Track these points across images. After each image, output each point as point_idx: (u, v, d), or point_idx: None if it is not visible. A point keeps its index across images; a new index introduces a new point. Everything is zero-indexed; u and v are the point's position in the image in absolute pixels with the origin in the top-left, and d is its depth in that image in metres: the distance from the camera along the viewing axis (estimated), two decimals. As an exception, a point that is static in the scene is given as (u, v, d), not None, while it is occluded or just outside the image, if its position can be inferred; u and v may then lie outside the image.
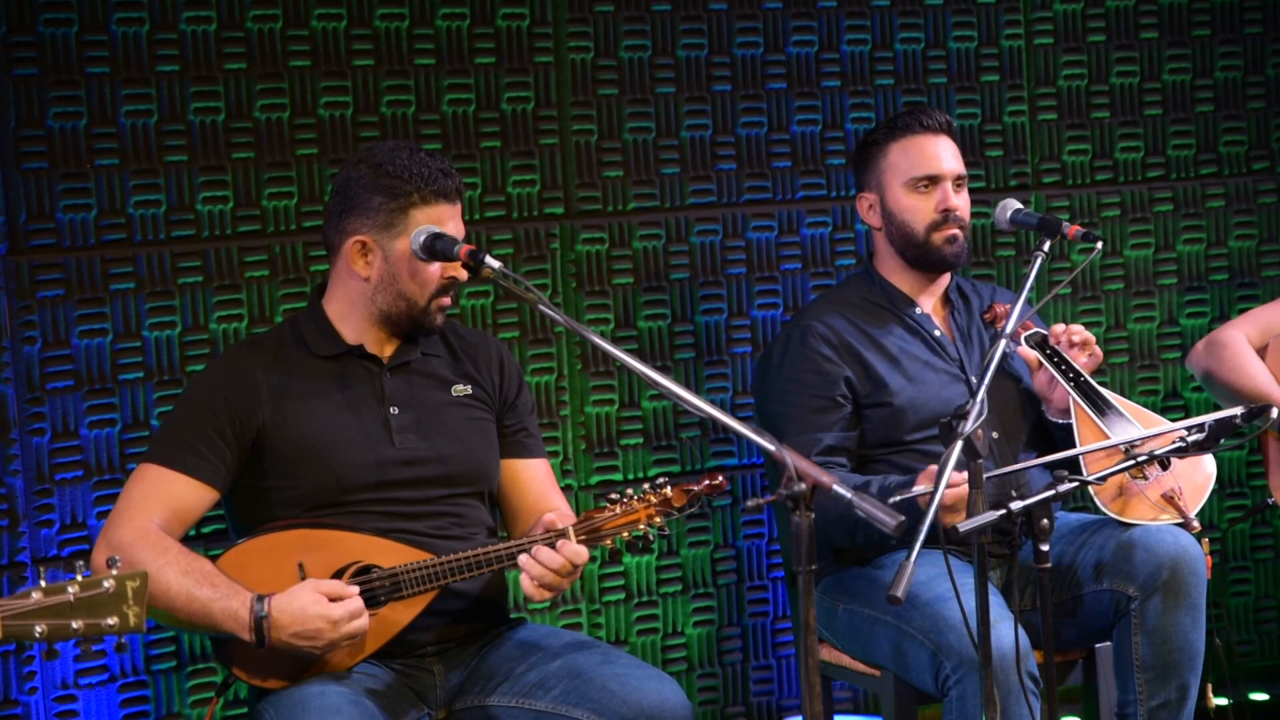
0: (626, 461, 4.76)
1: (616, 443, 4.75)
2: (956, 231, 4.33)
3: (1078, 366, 4.23)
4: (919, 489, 3.76)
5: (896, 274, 4.40)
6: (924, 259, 4.35)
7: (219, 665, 3.67)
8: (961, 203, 4.35)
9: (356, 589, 3.58)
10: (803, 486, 3.14)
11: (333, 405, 3.78)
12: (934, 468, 3.86)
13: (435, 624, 3.76)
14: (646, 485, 3.75)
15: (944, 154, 4.33)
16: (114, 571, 2.93)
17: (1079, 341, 4.25)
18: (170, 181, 4.31)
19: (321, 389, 3.79)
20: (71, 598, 2.90)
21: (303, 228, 4.43)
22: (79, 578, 2.92)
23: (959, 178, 4.35)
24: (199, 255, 4.35)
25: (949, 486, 3.70)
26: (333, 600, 3.54)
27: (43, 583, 2.91)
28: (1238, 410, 3.75)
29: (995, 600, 3.75)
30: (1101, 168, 5.27)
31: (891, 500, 3.55)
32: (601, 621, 4.74)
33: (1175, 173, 5.34)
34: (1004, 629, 3.76)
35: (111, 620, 2.92)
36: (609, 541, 3.72)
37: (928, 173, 4.31)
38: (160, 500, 3.66)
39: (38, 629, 2.89)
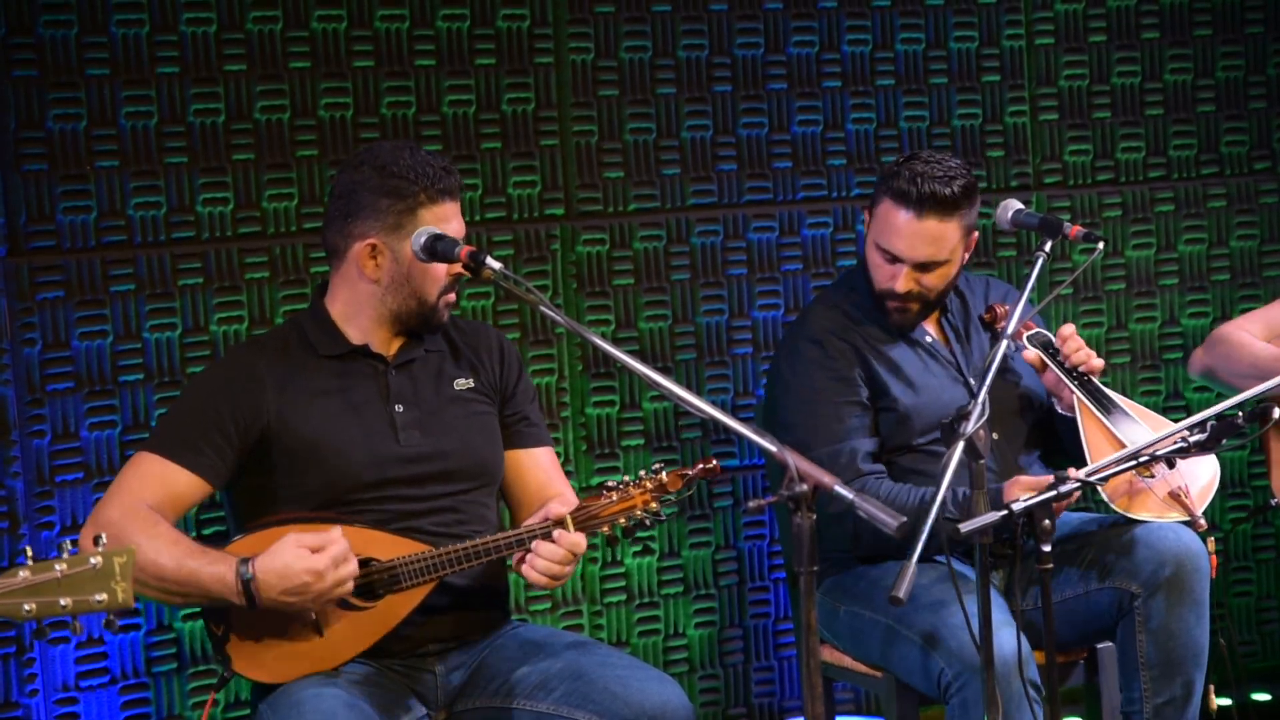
0: (627, 463, 4.75)
1: (617, 444, 4.75)
2: (906, 305, 4.27)
3: (1081, 367, 4.24)
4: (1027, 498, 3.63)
5: None
6: (875, 305, 4.32)
7: (218, 663, 3.67)
8: (931, 282, 4.23)
9: (338, 531, 3.57)
10: (804, 487, 3.13)
11: (338, 403, 3.78)
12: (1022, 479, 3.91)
13: (436, 624, 3.76)
14: (642, 471, 3.76)
15: (917, 240, 4.18)
16: (100, 548, 2.92)
17: (1078, 361, 4.24)
18: (170, 183, 4.31)
19: (326, 387, 3.79)
20: (59, 575, 2.89)
21: (303, 229, 4.42)
22: (66, 555, 2.91)
23: (925, 264, 4.21)
24: (199, 257, 4.34)
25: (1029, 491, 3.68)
26: (315, 551, 3.53)
27: (30, 561, 2.90)
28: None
29: (996, 604, 3.75)
30: (1103, 168, 5.27)
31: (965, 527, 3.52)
32: (603, 623, 4.74)
33: (1177, 173, 5.34)
34: (1005, 634, 3.75)
35: (100, 596, 2.91)
36: (606, 529, 3.73)
37: (890, 251, 4.22)
38: (154, 487, 3.66)
39: (26, 607, 2.88)
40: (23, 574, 2.89)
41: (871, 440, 4.22)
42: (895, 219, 4.20)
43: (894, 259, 4.22)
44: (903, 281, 4.22)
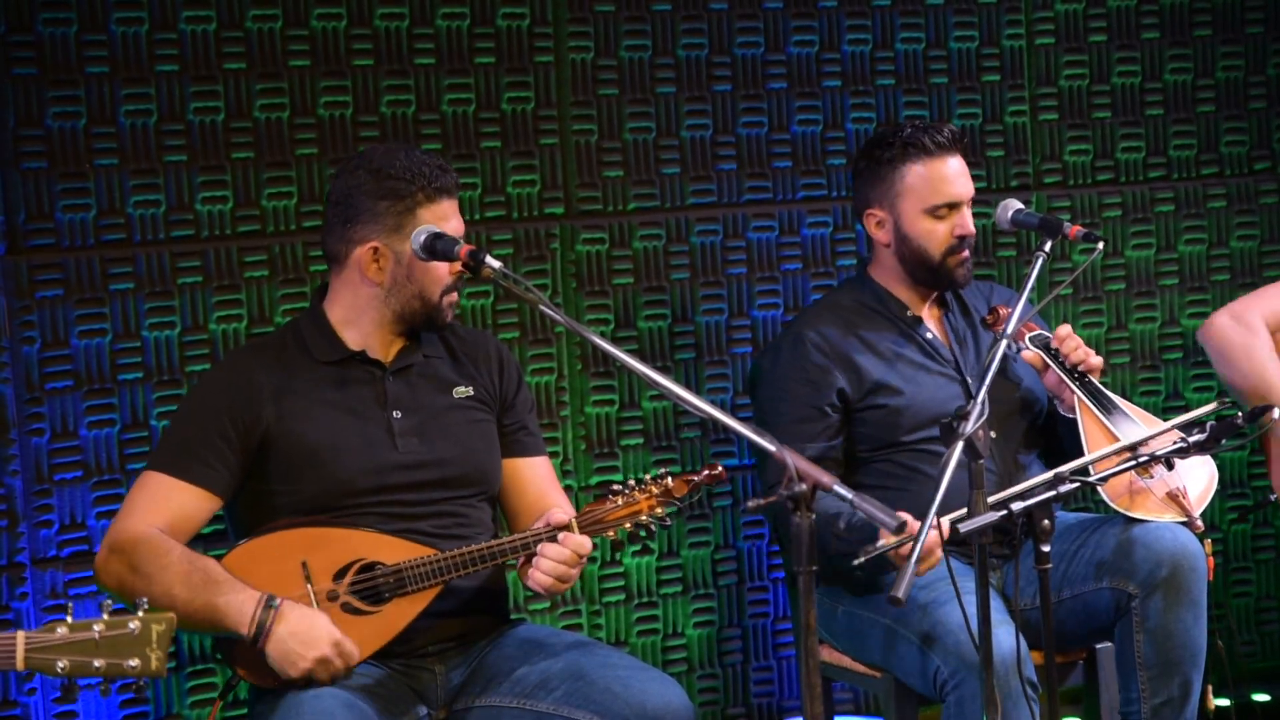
0: (627, 462, 4.75)
1: (617, 443, 4.75)
2: (968, 254, 4.33)
3: (1081, 366, 4.24)
4: (882, 544, 3.81)
5: (894, 283, 4.39)
6: (934, 280, 4.34)
7: (223, 664, 3.67)
8: (972, 220, 4.35)
9: (356, 656, 3.58)
10: (803, 487, 3.13)
11: (335, 410, 3.78)
12: (909, 522, 3.88)
13: (435, 623, 3.76)
14: (648, 476, 3.79)
15: (961, 177, 4.30)
16: (140, 614, 2.92)
17: (1077, 361, 4.24)
18: (169, 181, 4.30)
19: (324, 394, 3.78)
20: (97, 636, 2.90)
21: (302, 228, 4.42)
22: (106, 616, 2.91)
23: (971, 199, 4.33)
24: (198, 255, 4.34)
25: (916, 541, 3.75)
26: (335, 643, 3.55)
27: (69, 618, 2.91)
28: (1206, 411, 3.76)
29: (994, 604, 3.75)
30: (1103, 168, 5.26)
31: (860, 559, 3.74)
32: (602, 622, 4.74)
33: (1177, 173, 5.34)
34: (1002, 633, 3.75)
35: (133, 662, 2.92)
36: (611, 533, 3.74)
37: (948, 200, 4.28)
38: (162, 508, 3.66)
39: (60, 665, 2.89)
40: (60, 630, 2.90)
41: (822, 445, 4.22)
42: (936, 170, 4.28)
43: (951, 207, 4.28)
44: (969, 221, 4.31)
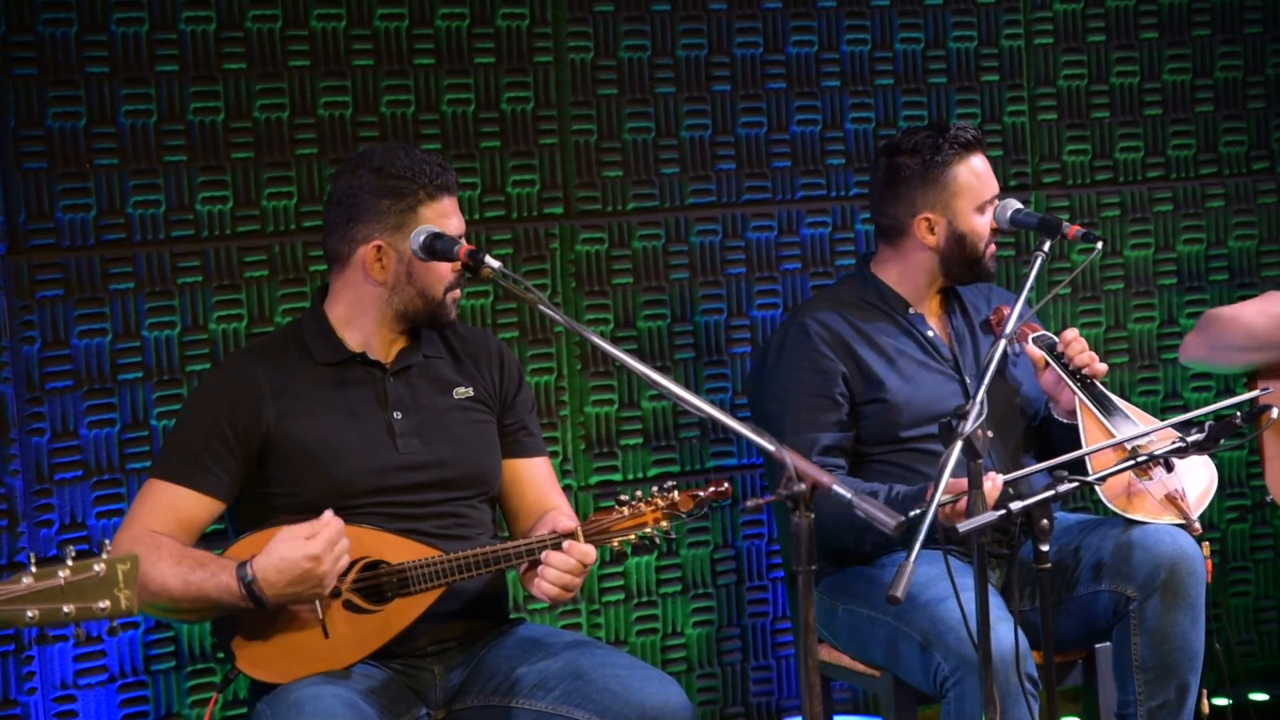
0: (626, 462, 4.75)
1: (616, 443, 4.75)
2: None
3: (1085, 370, 4.25)
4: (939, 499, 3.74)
5: (898, 279, 4.39)
6: (972, 274, 4.37)
7: (223, 659, 3.67)
8: None
9: (330, 513, 3.56)
10: (802, 487, 3.14)
11: (336, 411, 3.78)
12: (955, 481, 3.86)
13: (435, 624, 3.76)
14: (655, 489, 3.79)
15: (992, 171, 4.39)
16: (104, 555, 2.92)
17: (1081, 364, 4.25)
18: (169, 181, 4.31)
19: (324, 395, 3.79)
20: (62, 582, 2.89)
21: (302, 228, 4.43)
22: (69, 562, 2.91)
23: None
24: (198, 255, 4.34)
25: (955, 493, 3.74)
26: (309, 538, 3.53)
27: (33, 568, 2.90)
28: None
29: (994, 601, 3.75)
30: (1101, 168, 5.27)
31: (912, 513, 3.59)
32: (601, 622, 4.74)
33: (1175, 173, 5.34)
34: (1003, 630, 3.76)
35: (103, 604, 2.92)
36: (615, 544, 3.76)
37: (994, 193, 4.35)
38: (163, 514, 3.66)
39: (29, 614, 2.88)
40: (26, 580, 2.89)
41: (836, 435, 4.23)
42: (975, 167, 4.34)
43: (991, 201, 4.35)
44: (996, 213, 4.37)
